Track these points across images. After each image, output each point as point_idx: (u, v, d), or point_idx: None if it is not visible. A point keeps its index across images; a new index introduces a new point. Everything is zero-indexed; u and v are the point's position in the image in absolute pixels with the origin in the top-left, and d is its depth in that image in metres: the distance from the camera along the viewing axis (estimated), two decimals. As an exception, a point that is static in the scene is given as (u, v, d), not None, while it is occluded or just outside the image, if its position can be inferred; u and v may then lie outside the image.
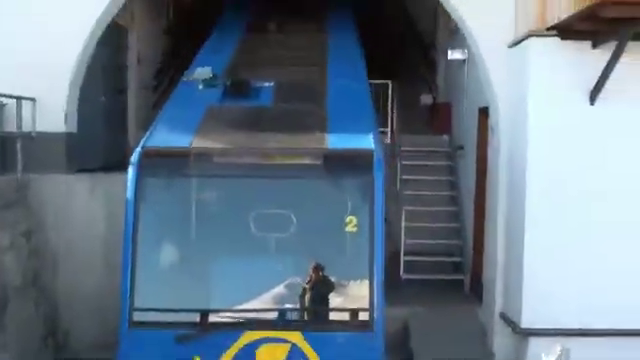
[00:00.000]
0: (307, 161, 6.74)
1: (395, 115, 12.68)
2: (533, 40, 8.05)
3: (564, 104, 8.04)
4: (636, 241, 8.01)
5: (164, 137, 7.07)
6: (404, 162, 12.08)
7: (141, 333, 6.23)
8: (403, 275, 10.96)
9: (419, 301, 10.17)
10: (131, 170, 6.61)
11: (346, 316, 6.41)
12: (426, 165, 12.32)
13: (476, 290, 10.28)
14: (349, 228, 6.56)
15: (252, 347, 6.19)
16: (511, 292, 8.67)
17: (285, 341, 6.23)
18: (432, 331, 9.53)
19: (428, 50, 14.81)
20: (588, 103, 8.00)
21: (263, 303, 6.44)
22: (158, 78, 13.92)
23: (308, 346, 6.23)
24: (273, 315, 6.43)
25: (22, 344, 7.83)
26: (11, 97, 8.49)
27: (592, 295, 8.01)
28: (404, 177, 11.89)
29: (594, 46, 7.89)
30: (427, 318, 9.80)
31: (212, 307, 6.43)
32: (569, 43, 7.95)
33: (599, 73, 7.72)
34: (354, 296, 6.46)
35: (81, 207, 8.85)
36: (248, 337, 6.21)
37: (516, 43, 8.56)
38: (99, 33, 9.44)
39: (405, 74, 14.68)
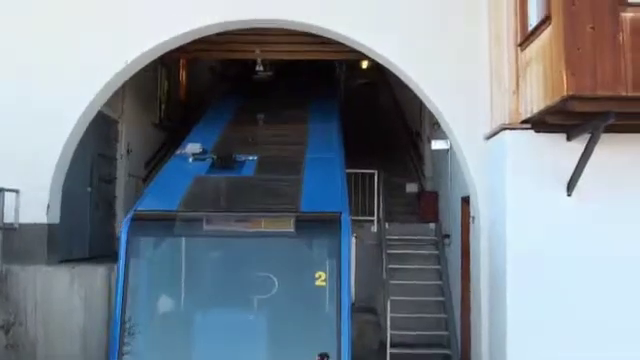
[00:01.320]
0: (281, 222, 7.44)
1: (382, 204, 12.75)
2: (507, 132, 8.20)
3: (541, 195, 8.09)
4: (618, 323, 7.88)
5: (154, 202, 8.02)
6: (390, 251, 12.06)
7: None
8: (390, 368, 10.75)
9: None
10: (123, 230, 7.35)
11: None
12: (413, 254, 12.30)
13: (465, 383, 10.07)
14: (319, 283, 7.25)
15: None
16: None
17: None
18: None
19: (414, 140, 15.08)
20: (565, 193, 8.06)
21: (243, 355, 7.10)
22: (148, 168, 14.12)
23: None
24: None
25: None
26: (-6, 189, 8.59)
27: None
28: (390, 266, 11.84)
29: (568, 138, 8.02)
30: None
31: None
32: (543, 135, 8.08)
33: (575, 164, 7.81)
34: (325, 346, 6.99)
35: (60, 298, 8.77)
36: None
37: (492, 135, 8.72)
38: (85, 125, 9.62)
39: (392, 163, 14.93)
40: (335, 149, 10.12)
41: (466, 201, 10.09)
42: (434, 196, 13.30)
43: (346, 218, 7.44)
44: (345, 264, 7.18)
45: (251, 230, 7.43)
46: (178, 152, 9.65)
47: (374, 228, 12.66)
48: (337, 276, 7.15)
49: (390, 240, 12.27)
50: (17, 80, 9.26)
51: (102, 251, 11.78)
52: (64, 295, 8.82)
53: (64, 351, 8.76)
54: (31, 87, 9.23)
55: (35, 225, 9.14)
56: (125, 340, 6.95)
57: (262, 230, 7.44)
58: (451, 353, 10.98)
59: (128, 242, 7.25)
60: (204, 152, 9.35)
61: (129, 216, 7.53)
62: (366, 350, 11.41)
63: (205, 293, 7.60)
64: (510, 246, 8.13)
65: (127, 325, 7.01)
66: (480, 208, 9.08)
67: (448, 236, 11.97)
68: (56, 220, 9.52)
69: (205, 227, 7.38)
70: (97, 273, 8.87)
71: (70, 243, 10.39)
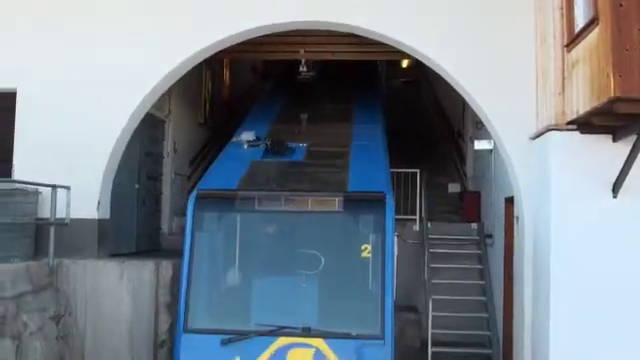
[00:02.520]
0: (330, 201, 8.17)
1: (424, 203, 12.76)
2: (553, 133, 8.16)
3: (586, 196, 8.04)
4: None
5: (214, 182, 8.76)
6: (432, 250, 12.08)
7: (193, 337, 7.59)
8: (431, 367, 10.78)
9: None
10: (189, 206, 8.20)
11: (362, 326, 7.58)
12: (455, 253, 12.29)
13: (507, 383, 10.04)
14: (364, 254, 7.98)
15: (284, 350, 7.42)
16: (539, 387, 8.47)
17: (311, 346, 7.44)
18: None
19: (457, 140, 15.03)
20: (611, 195, 7.99)
21: (294, 315, 7.72)
22: (193, 166, 14.38)
23: (330, 350, 7.41)
24: (302, 324, 7.54)
25: None
26: (47, 185, 8.86)
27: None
28: (432, 265, 11.85)
29: (614, 139, 7.95)
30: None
31: (252, 318, 7.78)
32: (589, 136, 8.03)
33: (621, 166, 7.75)
34: (369, 310, 7.74)
35: (109, 292, 9.02)
36: (281, 342, 7.45)
37: (537, 136, 8.69)
38: (134, 125, 9.90)
39: (434, 163, 14.93)
40: (379, 139, 10.58)
41: (510, 201, 10.07)
42: (476, 196, 13.25)
43: (390, 198, 8.07)
44: (389, 239, 7.84)
45: (302, 208, 8.17)
46: (234, 139, 10.35)
47: (416, 227, 12.69)
48: (381, 249, 7.83)
49: (432, 239, 12.28)
50: (68, 81, 9.56)
51: (149, 246, 12.09)
52: (113, 289, 9.05)
53: (112, 344, 8.99)
54: (85, 89, 9.53)
55: (86, 220, 9.43)
56: (191, 300, 7.78)
57: (312, 208, 8.17)
58: (493, 353, 10.95)
59: (194, 216, 8.10)
60: (258, 139, 10.03)
61: (194, 194, 8.30)
62: (407, 348, 11.47)
63: (262, 262, 8.39)
64: (554, 247, 8.09)
65: (192, 289, 7.83)
66: (524, 208, 9.05)
67: (491, 236, 11.93)
68: (106, 215, 9.81)
69: (262, 204, 8.24)
70: (146, 267, 9.09)
71: (118, 238, 10.68)
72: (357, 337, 7.49)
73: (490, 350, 11.05)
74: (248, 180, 8.78)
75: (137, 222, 11.61)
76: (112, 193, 9.97)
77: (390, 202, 8.05)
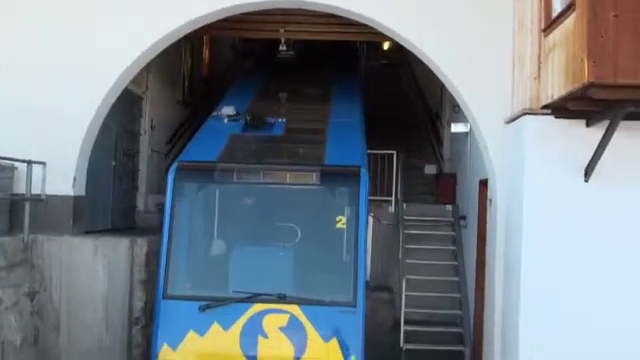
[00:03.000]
0: (307, 173, 8.47)
1: (400, 184, 12.86)
2: (528, 117, 8.25)
3: (559, 180, 8.15)
4: (636, 308, 7.95)
5: (195, 154, 8.97)
6: (407, 231, 12.20)
7: (172, 303, 7.90)
8: (403, 345, 10.94)
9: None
10: (169, 177, 8.42)
11: (335, 294, 7.94)
12: (429, 234, 12.44)
13: (477, 362, 10.24)
14: (339, 225, 8.33)
15: (260, 316, 7.75)
16: (508, 366, 8.65)
17: (286, 312, 7.77)
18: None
19: (435, 122, 15.12)
20: (583, 179, 8.12)
21: (270, 283, 7.99)
22: (170, 144, 14.33)
23: (304, 316, 7.75)
24: (278, 291, 7.83)
25: (17, 404, 7.90)
26: (23, 161, 8.80)
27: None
28: (407, 246, 11.99)
29: (588, 124, 8.07)
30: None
31: (229, 285, 8.07)
32: (563, 121, 8.13)
33: (593, 150, 7.87)
34: (342, 278, 8.08)
35: (84, 269, 9.01)
36: (257, 308, 7.78)
37: (512, 120, 8.79)
38: (111, 101, 9.82)
39: (411, 144, 15.02)
40: (356, 118, 10.76)
41: (484, 184, 10.19)
42: (452, 178, 13.39)
43: (364, 172, 8.37)
44: (363, 211, 8.17)
45: (280, 180, 8.47)
46: (214, 113, 10.51)
47: (392, 208, 12.80)
48: (355, 220, 8.16)
49: (407, 220, 12.40)
50: (45, 56, 9.45)
51: (124, 223, 12.07)
52: (88, 265, 9.06)
53: (86, 320, 9.02)
54: (62, 64, 9.42)
55: (61, 197, 9.38)
56: (170, 268, 8.06)
57: (290, 180, 8.45)
58: (464, 332, 11.15)
59: (174, 187, 8.33)
60: (238, 114, 10.20)
61: (174, 165, 8.54)
62: (381, 327, 11.63)
63: (240, 232, 8.69)
64: (526, 230, 8.22)
65: (172, 257, 8.12)
66: (498, 191, 9.18)
67: (464, 218, 12.08)
68: (82, 192, 9.76)
69: (242, 176, 8.53)
70: (121, 244, 9.10)
71: (94, 215, 10.65)
72: (330, 304, 7.84)
73: (461, 329, 11.24)
74: (228, 153, 9.01)
75: (113, 199, 11.57)
76: (88, 170, 9.91)
77: (365, 176, 8.34)
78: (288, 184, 8.50)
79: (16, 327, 8.10)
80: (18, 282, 8.43)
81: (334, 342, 7.73)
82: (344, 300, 7.88)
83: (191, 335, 7.75)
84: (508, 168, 8.98)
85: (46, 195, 9.19)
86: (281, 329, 7.76)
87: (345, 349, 7.73)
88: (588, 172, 8.05)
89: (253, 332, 7.74)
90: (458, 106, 10.44)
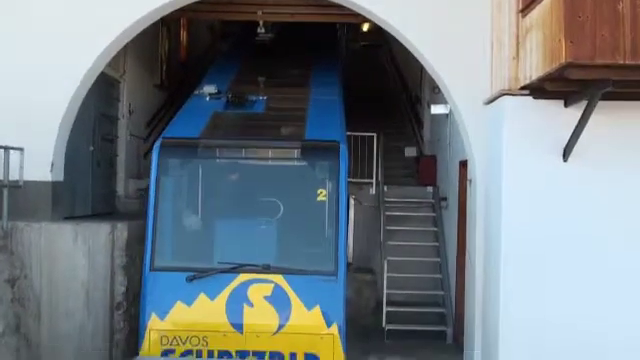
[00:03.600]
0: (288, 149, 8.80)
1: (381, 167, 12.89)
2: (507, 98, 8.29)
3: (537, 160, 8.21)
4: (611, 287, 8.08)
5: (178, 131, 9.14)
6: (388, 213, 12.26)
7: (159, 275, 8.19)
8: (386, 326, 11.03)
9: (401, 352, 10.24)
10: (154, 153, 8.63)
11: (317, 264, 8.30)
12: (410, 216, 12.51)
13: (459, 341, 10.33)
14: (320, 198, 8.61)
15: (245, 285, 8.04)
16: (489, 344, 8.74)
17: (270, 282, 8.06)
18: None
19: (414, 104, 15.13)
20: (561, 160, 8.19)
21: (254, 254, 8.29)
22: (149, 128, 14.22)
23: (287, 285, 8.04)
24: (262, 262, 8.15)
25: (0, 393, 7.87)
26: (-1, 147, 8.71)
27: (571, 343, 8.06)
28: (388, 228, 12.05)
29: (566, 105, 8.12)
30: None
31: (214, 256, 8.37)
32: (542, 102, 8.18)
33: (571, 130, 7.94)
34: (324, 249, 8.42)
35: (64, 254, 8.90)
36: (242, 278, 8.07)
37: (491, 101, 8.83)
38: (88, 85, 9.68)
39: (392, 127, 15.04)
40: (335, 97, 10.95)
41: (464, 165, 10.26)
42: (432, 160, 13.46)
43: (343, 147, 8.66)
44: (343, 184, 8.47)
45: (262, 155, 8.85)
46: (196, 92, 10.70)
47: (373, 191, 12.84)
48: (336, 193, 8.47)
49: (388, 202, 12.46)
50: (20, 40, 9.29)
51: (104, 209, 11.98)
52: (68, 251, 8.93)
53: (68, 306, 8.93)
54: (36, 48, 9.26)
55: (39, 183, 9.26)
56: (157, 241, 8.33)
57: (271, 155, 8.84)
58: (446, 312, 11.26)
59: (158, 163, 8.53)
60: (219, 92, 10.40)
61: (158, 142, 8.73)
62: (363, 308, 11.72)
63: (224, 206, 8.97)
64: (505, 209, 8.28)
65: (157, 230, 8.38)
66: (477, 172, 9.23)
67: (445, 199, 12.16)
68: (60, 178, 9.65)
69: (225, 152, 8.91)
70: (101, 230, 9.02)
71: (73, 201, 10.55)
72: (312, 273, 8.19)
73: (443, 309, 11.35)
74: (210, 129, 9.23)
75: (92, 185, 11.46)
76: (66, 155, 9.78)
77: (344, 150, 8.60)
78: (270, 159, 8.84)
79: (-3, 315, 8.04)
80: (-3, 269, 8.36)
81: (317, 310, 8.00)
82: (326, 269, 8.19)
83: (179, 305, 8.01)
84: (487, 149, 9.02)
85: (24, 181, 9.07)
86: (266, 298, 8.03)
87: (327, 316, 8.02)
88: (567, 152, 8.12)
89: (239, 301, 7.99)
90: (438, 87, 10.45)
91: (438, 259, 11.99)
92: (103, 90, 11.51)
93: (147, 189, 8.91)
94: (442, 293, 11.58)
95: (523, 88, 8.18)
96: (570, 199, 8.19)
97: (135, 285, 9.30)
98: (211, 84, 10.62)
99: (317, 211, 8.71)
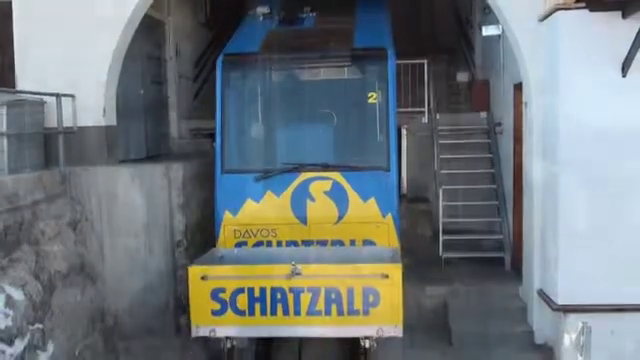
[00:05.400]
0: (339, 57, 9.27)
1: (432, 94, 12.61)
2: (561, 13, 7.93)
3: (595, 76, 7.92)
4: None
5: (238, 47, 9.77)
6: (442, 141, 12.06)
7: (230, 177, 8.96)
8: (443, 254, 10.99)
9: (458, 279, 10.23)
10: (218, 67, 9.26)
11: (371, 160, 8.92)
12: (464, 143, 12.27)
13: (517, 268, 10.24)
14: (370, 101, 9.14)
15: (307, 183, 8.79)
16: (548, 269, 8.63)
17: (329, 179, 8.77)
18: (471, 309, 9.59)
19: (464, 27, 14.65)
20: (620, 74, 7.85)
21: (314, 155, 9.00)
22: (197, 68, 14.21)
23: (345, 181, 8.74)
24: (321, 161, 8.89)
25: (70, 329, 8.18)
26: (51, 95, 8.82)
27: (627, 270, 7.93)
28: (442, 156, 11.87)
29: (624, 16, 7.72)
30: (466, 296, 9.86)
31: (278, 159, 9.07)
32: (598, 15, 7.80)
33: (630, 43, 7.57)
34: (376, 147, 9.04)
35: (122, 197, 9.12)
36: (304, 177, 8.81)
37: (545, 17, 8.44)
38: (134, 28, 9.68)
39: (442, 52, 14.63)
40: (382, 12, 11.16)
41: (518, 88, 9.93)
42: (485, 84, 13.06)
43: (391, 52, 9.07)
44: (391, 87, 8.97)
45: (316, 65, 9.38)
46: (249, 13, 11.23)
47: (425, 119, 12.60)
48: (385, 95, 9.00)
49: (441, 130, 12.24)
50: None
51: (158, 151, 12.16)
52: (126, 193, 9.14)
53: (129, 245, 9.20)
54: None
55: (93, 128, 9.44)
56: (225, 147, 9.04)
57: (325, 64, 9.38)
58: (503, 239, 11.13)
59: (222, 77, 9.20)
60: (271, 12, 10.86)
61: (221, 57, 9.31)
62: (420, 237, 11.70)
63: (284, 113, 9.49)
64: (563, 128, 8.06)
65: (226, 137, 9.08)
66: (533, 93, 8.93)
67: (500, 124, 11.85)
68: (113, 122, 9.79)
69: (283, 64, 9.41)
70: (156, 171, 9.18)
71: (128, 144, 10.73)
72: (367, 169, 8.84)
73: (501, 236, 11.21)
74: (267, 45, 9.66)
75: (145, 127, 11.61)
76: (117, 100, 9.90)
77: (392, 56, 9.03)
78: (324, 67, 9.39)
79: (61, 257, 8.31)
80: (59, 213, 8.59)
81: (372, 201, 8.68)
82: (379, 165, 8.81)
83: (248, 203, 8.79)
84: (543, 69, 8.70)
85: (78, 127, 9.24)
86: (326, 193, 8.75)
87: (382, 207, 8.68)
88: (625, 66, 7.80)
89: (302, 197, 8.75)
90: (488, 7, 10.05)
91: (494, 186, 11.77)
92: (149, 33, 11.52)
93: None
94: (499, 220, 11.41)
95: (578, 1, 7.79)
96: (630, 116, 7.89)
97: (194, 223, 9.51)
98: (263, 5, 11.00)
99: (369, 113, 9.21)
